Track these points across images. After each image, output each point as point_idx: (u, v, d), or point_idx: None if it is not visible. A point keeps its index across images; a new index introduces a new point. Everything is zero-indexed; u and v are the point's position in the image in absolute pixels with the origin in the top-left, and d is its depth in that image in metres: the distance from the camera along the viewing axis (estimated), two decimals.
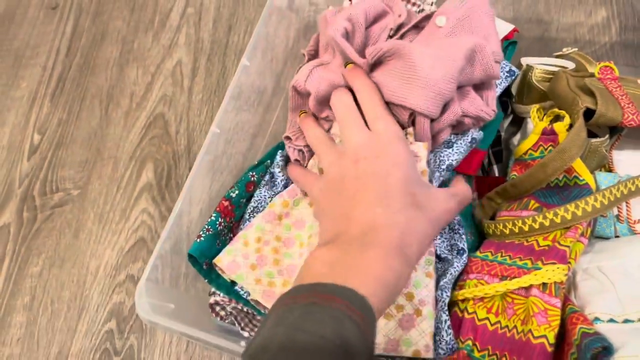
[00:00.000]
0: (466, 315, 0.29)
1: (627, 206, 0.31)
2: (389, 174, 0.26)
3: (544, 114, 0.34)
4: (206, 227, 0.31)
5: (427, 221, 0.26)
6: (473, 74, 0.30)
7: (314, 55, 0.35)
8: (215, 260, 0.30)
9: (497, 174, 0.38)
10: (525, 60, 0.37)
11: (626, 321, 0.27)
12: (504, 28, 0.36)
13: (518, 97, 0.37)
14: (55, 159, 0.50)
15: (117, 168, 0.48)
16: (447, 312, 0.28)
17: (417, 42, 0.31)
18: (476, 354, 0.27)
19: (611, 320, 0.27)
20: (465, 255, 0.30)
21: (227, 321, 0.32)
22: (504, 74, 0.34)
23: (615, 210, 0.31)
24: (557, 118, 0.33)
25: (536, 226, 0.29)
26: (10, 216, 0.47)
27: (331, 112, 0.32)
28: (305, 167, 0.33)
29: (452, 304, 0.30)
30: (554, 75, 0.35)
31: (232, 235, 0.33)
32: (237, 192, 0.33)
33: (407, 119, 0.30)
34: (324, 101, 0.32)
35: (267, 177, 0.34)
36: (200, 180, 0.33)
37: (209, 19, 0.53)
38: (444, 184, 0.32)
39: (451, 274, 0.29)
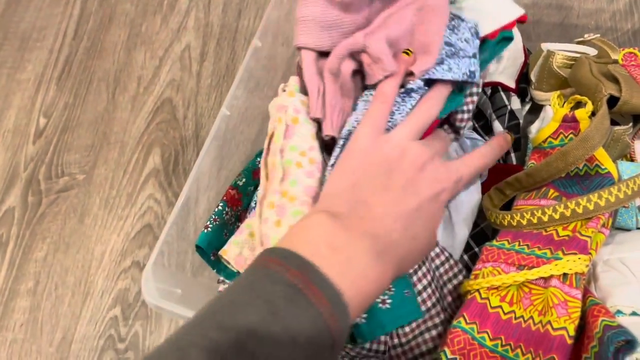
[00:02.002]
0: (478, 299, 0.28)
1: None
2: (433, 199, 0.25)
3: (565, 101, 0.33)
4: (213, 216, 0.30)
5: (428, 247, 0.26)
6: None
7: None
8: (221, 252, 0.29)
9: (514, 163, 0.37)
10: (545, 46, 0.36)
11: None
12: (509, 12, 0.31)
13: (537, 84, 0.36)
14: (61, 143, 0.49)
15: (123, 153, 0.47)
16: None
17: None
18: (488, 342, 0.26)
19: (634, 313, 0.26)
20: None
21: None
22: (465, 69, 0.29)
23: (637, 201, 0.30)
24: (578, 105, 0.32)
25: (557, 216, 0.28)
26: (15, 200, 0.46)
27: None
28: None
29: (467, 292, 0.29)
30: (576, 61, 0.34)
31: (239, 224, 0.32)
32: (244, 180, 0.32)
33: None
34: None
35: None
36: (208, 165, 0.32)
37: (218, 2, 0.52)
38: None
39: None
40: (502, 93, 0.35)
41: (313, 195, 0.28)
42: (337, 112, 0.29)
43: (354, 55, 0.29)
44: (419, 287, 0.28)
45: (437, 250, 0.30)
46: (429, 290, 0.29)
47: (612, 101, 0.30)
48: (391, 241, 0.23)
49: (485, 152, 0.30)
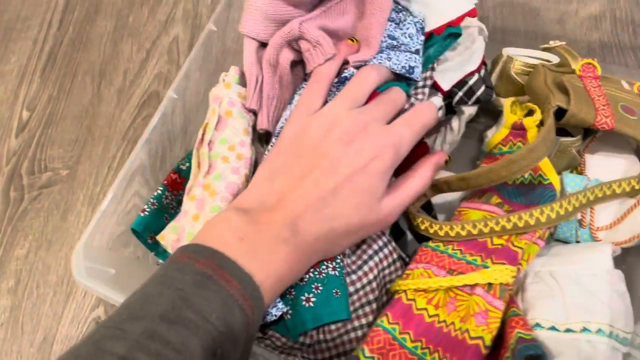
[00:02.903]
0: (404, 300, 0.28)
1: (591, 212, 0.30)
2: (360, 173, 0.24)
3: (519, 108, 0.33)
4: (151, 200, 0.30)
5: (358, 224, 0.25)
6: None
7: None
8: (158, 237, 0.29)
9: None
10: (506, 51, 0.35)
11: (568, 330, 0.26)
12: (457, 7, 0.30)
13: (497, 88, 0.35)
14: (44, 137, 0.47)
15: (108, 148, 0.46)
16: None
17: None
18: (409, 344, 0.26)
19: (552, 328, 0.26)
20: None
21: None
22: (404, 62, 0.28)
23: (578, 215, 0.30)
24: (530, 113, 0.32)
25: (497, 228, 0.28)
26: None
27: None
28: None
29: (395, 292, 0.29)
30: (533, 70, 0.33)
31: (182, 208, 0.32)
32: (187, 164, 0.31)
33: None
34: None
35: None
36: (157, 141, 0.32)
37: None
38: None
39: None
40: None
41: (234, 193, 0.28)
42: (274, 105, 0.29)
43: (292, 44, 0.28)
44: (364, 281, 0.28)
45: (388, 249, 0.29)
46: (369, 287, 0.28)
47: (563, 112, 0.29)
48: (302, 226, 0.23)
49: (422, 109, 0.27)
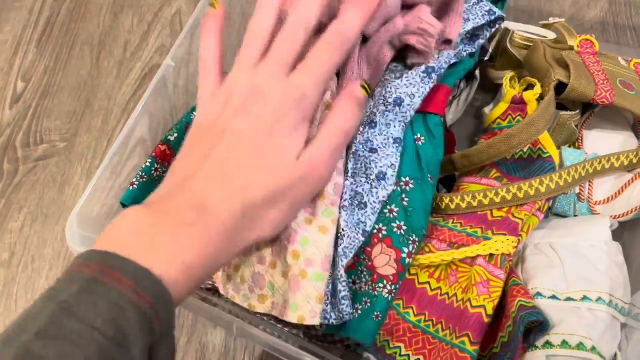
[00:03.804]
0: (407, 276, 0.28)
1: (589, 186, 0.30)
2: (263, 135, 0.22)
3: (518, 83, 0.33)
4: (140, 173, 0.30)
5: (279, 201, 0.22)
6: None
7: None
8: None
9: None
10: (504, 24, 0.35)
11: (568, 299, 0.26)
12: None
13: (494, 61, 0.36)
14: (40, 109, 0.46)
15: (107, 120, 0.45)
16: (344, 283, 0.24)
17: None
18: (412, 317, 0.27)
19: (553, 297, 0.26)
20: (364, 210, 0.26)
21: None
22: (481, 11, 0.28)
23: (577, 189, 0.30)
24: (529, 87, 0.32)
25: (497, 199, 0.28)
26: None
27: None
28: None
29: None
30: (532, 44, 0.33)
31: None
32: (175, 134, 0.31)
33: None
34: None
35: None
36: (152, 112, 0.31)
37: None
38: (396, 125, 0.26)
39: (348, 236, 0.25)
40: None
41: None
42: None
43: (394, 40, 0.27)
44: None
45: None
46: None
47: (562, 87, 0.30)
48: (211, 205, 0.21)
49: (322, 49, 0.23)
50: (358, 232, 0.26)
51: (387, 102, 0.27)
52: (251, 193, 0.22)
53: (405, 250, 0.26)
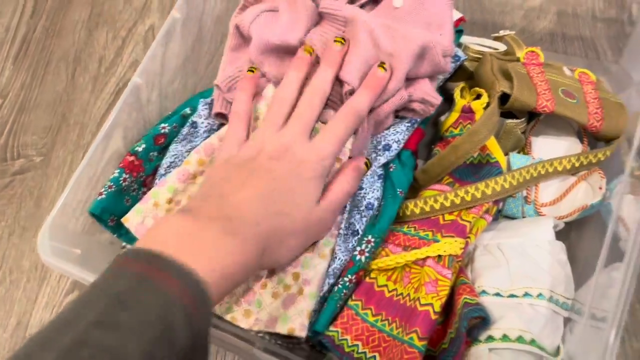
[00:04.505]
0: (367, 280, 0.30)
1: (535, 189, 0.32)
2: (293, 176, 0.26)
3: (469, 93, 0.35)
4: (108, 183, 0.31)
5: (300, 234, 0.26)
6: (420, 69, 0.30)
7: None
8: (123, 220, 0.30)
9: None
10: (462, 39, 0.37)
11: (511, 296, 0.28)
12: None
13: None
14: (17, 124, 0.47)
15: (83, 135, 0.46)
16: (335, 302, 0.28)
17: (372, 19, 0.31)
18: (370, 318, 0.28)
19: (497, 294, 0.28)
20: (357, 237, 0.29)
21: None
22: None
23: (524, 192, 0.32)
24: (478, 97, 0.34)
25: (447, 204, 0.30)
26: None
27: (270, 70, 0.32)
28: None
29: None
30: (482, 57, 0.35)
31: (146, 189, 0.32)
32: (143, 145, 0.32)
33: (343, 96, 0.29)
34: (266, 52, 0.31)
35: (185, 129, 0.33)
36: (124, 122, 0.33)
37: None
38: (386, 165, 0.31)
39: (339, 259, 0.28)
40: None
41: None
42: None
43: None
44: None
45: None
46: None
47: (508, 97, 0.32)
48: (246, 221, 0.24)
49: (342, 121, 0.28)
50: (348, 255, 0.29)
51: (377, 149, 0.31)
52: (282, 220, 0.25)
53: (358, 248, 0.29)
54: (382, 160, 0.31)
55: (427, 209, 0.31)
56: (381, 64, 0.29)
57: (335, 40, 0.29)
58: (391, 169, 0.31)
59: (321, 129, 0.28)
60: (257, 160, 0.27)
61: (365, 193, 0.30)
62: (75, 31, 0.51)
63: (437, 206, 0.30)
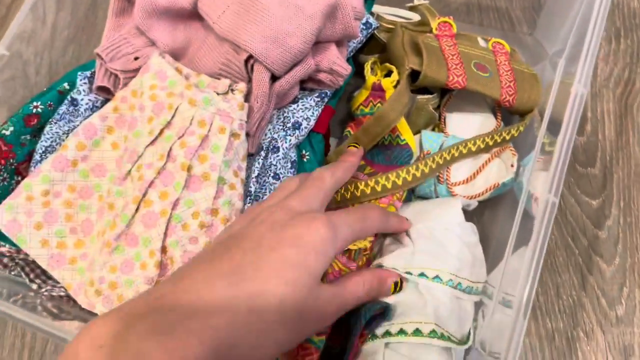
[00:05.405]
0: None
1: (447, 169, 0.31)
2: (282, 248, 0.20)
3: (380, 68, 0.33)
4: None
5: (295, 322, 0.20)
6: (332, 32, 0.28)
7: None
8: None
9: None
10: (374, 9, 0.35)
11: (407, 273, 0.26)
12: None
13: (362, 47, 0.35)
14: None
15: None
16: None
17: None
18: None
19: (394, 269, 0.27)
20: None
21: (12, 272, 0.28)
22: (360, 27, 0.31)
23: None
24: (389, 74, 0.32)
25: (358, 193, 0.29)
26: None
27: (161, 37, 0.29)
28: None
29: None
30: (393, 29, 0.33)
31: (20, 178, 0.29)
32: (11, 128, 0.28)
33: (242, 66, 0.27)
34: (154, 16, 0.29)
35: (63, 107, 0.30)
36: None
37: None
38: (296, 147, 0.29)
39: None
40: None
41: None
42: (262, 133, 0.29)
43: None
44: None
45: None
46: None
47: (418, 74, 0.30)
48: (208, 310, 0.19)
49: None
50: None
51: (286, 127, 0.29)
52: (263, 301, 0.20)
53: None
54: (293, 140, 0.29)
55: (338, 198, 0.29)
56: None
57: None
58: (305, 159, 0.30)
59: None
60: (248, 228, 0.23)
61: (279, 175, 0.28)
62: None
63: (347, 195, 0.29)
